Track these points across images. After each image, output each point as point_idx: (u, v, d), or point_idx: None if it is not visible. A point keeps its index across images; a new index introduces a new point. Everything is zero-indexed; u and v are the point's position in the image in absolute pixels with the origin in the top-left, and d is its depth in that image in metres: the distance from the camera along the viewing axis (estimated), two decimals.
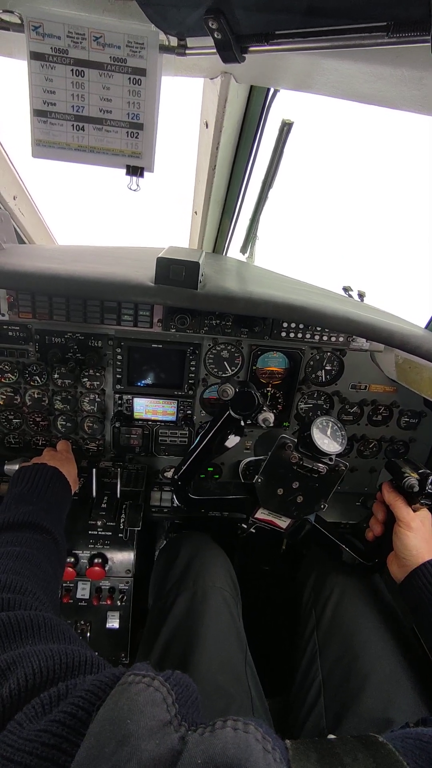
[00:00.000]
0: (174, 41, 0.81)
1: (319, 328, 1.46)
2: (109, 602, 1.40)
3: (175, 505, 1.61)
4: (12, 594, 0.71)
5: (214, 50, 0.73)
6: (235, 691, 1.03)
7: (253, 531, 1.27)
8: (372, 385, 1.58)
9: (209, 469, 1.71)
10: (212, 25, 0.68)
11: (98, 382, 1.51)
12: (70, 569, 1.35)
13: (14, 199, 1.52)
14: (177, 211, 1.79)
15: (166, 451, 1.65)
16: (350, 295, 1.61)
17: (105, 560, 1.39)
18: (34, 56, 0.80)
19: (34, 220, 1.71)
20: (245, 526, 1.26)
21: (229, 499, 1.27)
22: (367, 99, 0.85)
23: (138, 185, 0.93)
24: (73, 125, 0.86)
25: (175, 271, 1.00)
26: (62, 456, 1.38)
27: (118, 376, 1.50)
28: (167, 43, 0.82)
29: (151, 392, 1.55)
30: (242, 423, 1.17)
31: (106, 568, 1.38)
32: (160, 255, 1.00)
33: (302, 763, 0.43)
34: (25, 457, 1.47)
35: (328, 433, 1.08)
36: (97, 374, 1.50)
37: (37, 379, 1.49)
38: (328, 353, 1.53)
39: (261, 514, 1.19)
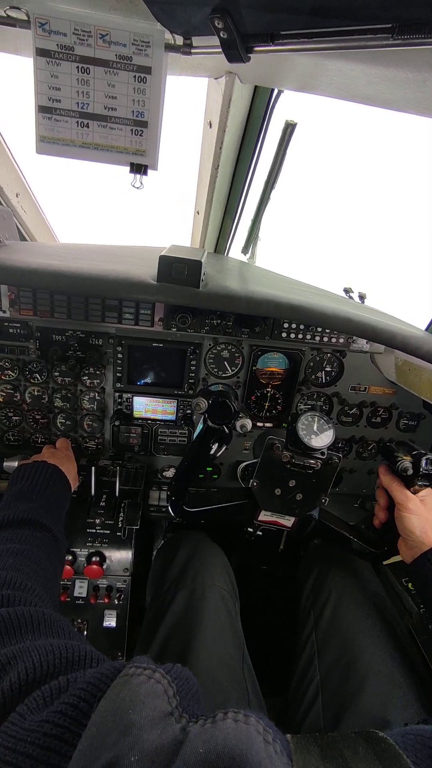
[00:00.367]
0: (180, 40, 0.82)
1: (319, 329, 1.46)
2: (106, 601, 1.39)
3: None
4: (12, 590, 0.71)
5: (220, 50, 0.73)
6: (233, 689, 1.03)
7: (260, 534, 1.27)
8: (371, 386, 1.59)
9: (208, 468, 1.71)
10: (218, 24, 0.68)
11: (98, 381, 1.51)
12: (67, 567, 1.35)
13: (17, 196, 1.52)
14: (179, 210, 1.80)
15: (165, 451, 1.65)
16: (351, 297, 1.62)
17: (103, 558, 1.39)
18: (40, 53, 0.80)
19: (36, 217, 1.72)
20: (251, 530, 1.25)
21: (227, 506, 1.25)
22: (370, 101, 0.86)
23: (141, 183, 0.93)
24: (77, 122, 0.86)
25: (178, 270, 1.00)
26: (62, 454, 1.38)
27: (118, 374, 1.50)
28: (173, 42, 0.82)
29: (151, 391, 1.55)
30: (226, 431, 1.16)
31: (104, 567, 1.38)
32: (162, 253, 1.00)
33: (304, 756, 0.43)
34: (25, 454, 1.47)
35: (315, 428, 1.07)
36: (98, 372, 1.50)
37: (38, 376, 1.49)
38: (329, 354, 1.53)
39: (264, 516, 1.19)
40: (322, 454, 1.08)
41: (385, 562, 1.52)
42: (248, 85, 1.09)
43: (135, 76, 0.83)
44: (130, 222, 2.38)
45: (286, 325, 1.46)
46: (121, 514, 1.45)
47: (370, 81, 0.78)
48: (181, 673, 0.49)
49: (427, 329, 1.50)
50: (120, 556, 1.40)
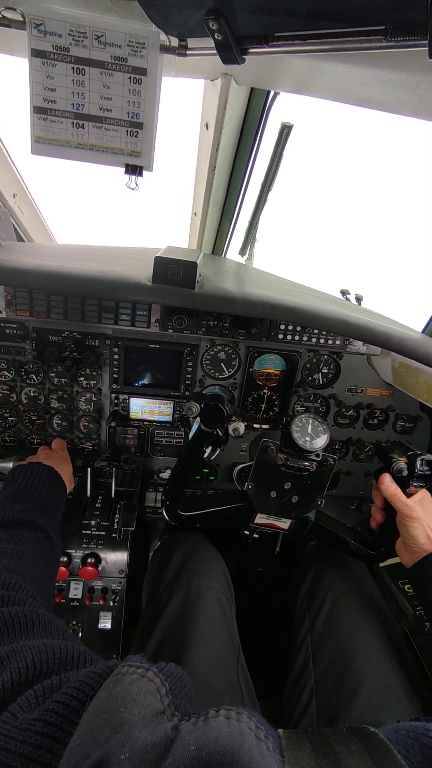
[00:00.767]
0: (175, 42, 0.82)
1: (316, 331, 1.46)
2: (101, 602, 1.39)
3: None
4: (6, 591, 0.71)
5: (215, 51, 0.73)
6: (226, 692, 1.03)
7: (257, 536, 1.26)
8: (368, 388, 1.59)
9: (204, 470, 1.71)
10: (213, 26, 0.68)
11: (95, 382, 1.51)
12: (62, 569, 1.34)
13: (14, 197, 1.52)
14: (176, 212, 1.80)
15: (161, 452, 1.65)
16: (348, 299, 1.62)
17: (98, 560, 1.38)
18: (36, 53, 0.80)
19: (33, 218, 1.72)
20: (248, 533, 1.25)
21: (223, 510, 1.24)
22: (364, 103, 0.86)
23: (137, 184, 0.93)
24: (73, 123, 0.86)
25: (173, 271, 1.00)
26: (57, 455, 1.38)
27: (114, 375, 1.50)
28: (168, 44, 0.82)
29: (148, 392, 1.55)
30: (220, 434, 1.16)
31: (99, 568, 1.37)
32: (158, 254, 1.00)
33: (295, 752, 0.43)
34: (20, 455, 1.47)
35: (309, 430, 1.07)
36: (94, 373, 1.50)
37: (34, 377, 1.49)
38: (325, 356, 1.53)
39: (260, 519, 1.19)
40: (317, 455, 1.08)
41: (381, 564, 1.51)
42: (244, 87, 1.09)
43: (130, 78, 0.83)
44: (127, 223, 2.38)
45: (282, 327, 1.46)
46: (117, 516, 1.44)
47: (365, 83, 0.78)
48: (174, 672, 0.49)
49: (423, 331, 1.50)
50: (115, 558, 1.40)
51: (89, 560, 1.37)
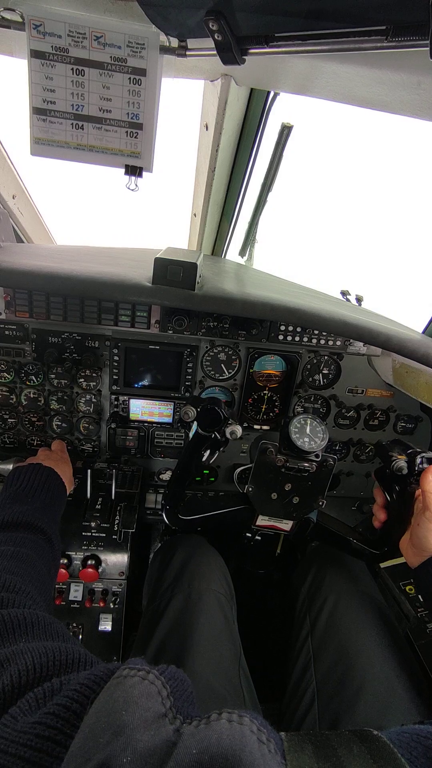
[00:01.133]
0: (175, 42, 0.82)
1: (316, 332, 1.46)
2: (101, 605, 1.39)
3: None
4: (6, 593, 0.71)
5: (215, 52, 0.73)
6: (228, 695, 1.02)
7: (259, 538, 1.26)
8: (369, 389, 1.59)
9: (205, 471, 1.71)
10: (212, 26, 0.68)
11: (94, 383, 1.51)
12: (63, 571, 1.34)
13: (13, 198, 1.51)
14: (176, 213, 1.80)
15: (161, 453, 1.65)
16: (348, 299, 1.62)
17: (98, 562, 1.38)
18: (35, 54, 0.80)
19: (33, 219, 1.71)
20: (249, 535, 1.24)
21: (224, 513, 1.23)
22: (365, 103, 0.85)
23: (136, 185, 0.93)
24: (72, 124, 0.86)
25: (173, 272, 1.00)
26: (57, 456, 1.37)
27: (114, 377, 1.50)
28: (168, 44, 0.82)
29: (148, 394, 1.54)
30: (218, 437, 1.16)
31: (100, 570, 1.37)
32: (157, 255, 1.00)
33: (297, 755, 0.43)
34: (20, 456, 1.47)
35: (308, 430, 1.06)
36: (94, 375, 1.49)
37: (33, 378, 1.48)
38: (326, 357, 1.53)
39: (262, 521, 1.18)
40: (317, 456, 1.07)
41: (382, 566, 1.51)
42: (244, 88, 1.09)
43: (130, 78, 0.83)
44: (127, 224, 2.38)
45: (282, 328, 1.45)
46: (117, 518, 1.44)
47: (365, 83, 0.78)
48: (175, 675, 0.49)
49: (424, 332, 1.50)
50: (116, 560, 1.39)
51: (89, 562, 1.36)
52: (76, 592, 1.39)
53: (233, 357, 1.52)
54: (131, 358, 1.48)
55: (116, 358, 1.46)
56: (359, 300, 1.60)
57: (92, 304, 1.37)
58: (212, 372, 1.54)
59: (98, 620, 1.39)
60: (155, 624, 1.17)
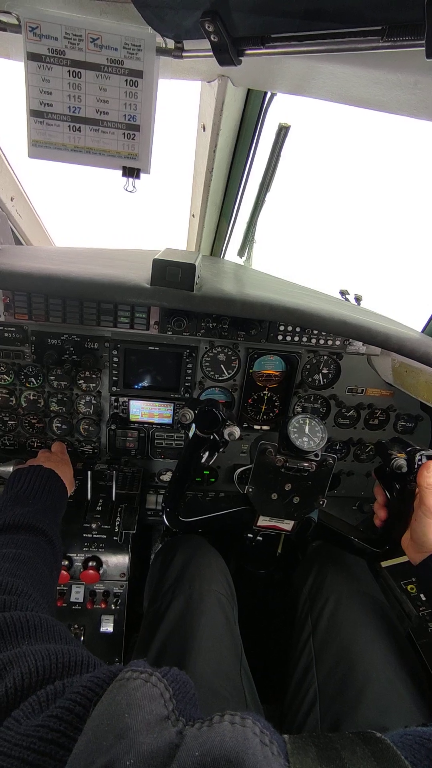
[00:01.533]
0: (171, 44, 0.82)
1: (315, 332, 1.46)
2: (103, 606, 1.39)
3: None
4: (8, 595, 0.71)
5: (211, 53, 0.73)
6: (230, 696, 1.02)
7: (260, 539, 1.26)
8: (368, 388, 1.58)
9: (205, 472, 1.71)
10: (209, 27, 0.68)
11: (94, 384, 1.51)
12: (64, 572, 1.34)
13: (11, 200, 1.52)
14: (174, 214, 1.80)
15: (162, 454, 1.65)
16: (347, 299, 1.62)
17: (99, 563, 1.38)
18: (31, 57, 0.80)
19: (31, 221, 1.71)
20: (251, 536, 1.24)
21: (224, 514, 1.23)
22: (362, 103, 0.85)
23: (134, 187, 0.93)
24: (69, 126, 0.86)
25: (172, 273, 1.00)
26: (58, 458, 1.37)
27: (114, 378, 1.50)
28: (164, 46, 0.82)
29: (148, 395, 1.54)
30: (217, 439, 1.16)
31: (101, 572, 1.37)
32: (156, 257, 1.00)
33: (300, 757, 0.43)
34: (20, 458, 1.47)
35: (306, 430, 1.06)
36: (93, 376, 1.49)
37: (33, 380, 1.48)
38: (325, 357, 1.53)
39: (263, 521, 1.18)
40: (316, 455, 1.07)
41: (383, 565, 1.51)
42: (241, 88, 1.09)
43: (126, 80, 0.83)
44: (126, 226, 2.38)
45: (282, 328, 1.45)
46: (118, 519, 1.44)
47: (362, 83, 0.78)
48: (177, 677, 0.49)
49: (423, 331, 1.50)
50: (117, 561, 1.39)
51: (90, 563, 1.36)
52: (77, 594, 1.39)
53: (233, 357, 1.52)
54: (131, 359, 1.48)
55: (116, 359, 1.46)
56: (358, 299, 1.60)
57: (91, 306, 1.37)
58: (212, 373, 1.54)
59: (100, 622, 1.39)
60: (156, 625, 1.17)
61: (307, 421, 1.07)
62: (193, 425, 1.13)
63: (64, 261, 1.17)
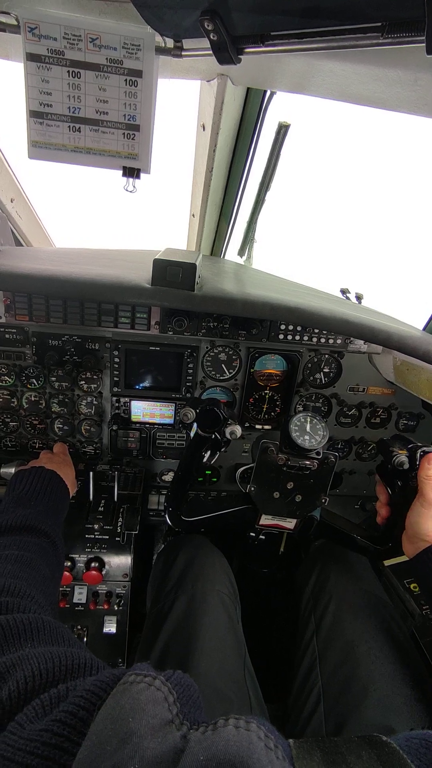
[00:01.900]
0: (170, 43, 0.81)
1: (316, 331, 1.46)
2: (106, 607, 1.39)
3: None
4: (10, 597, 0.71)
5: (210, 52, 0.73)
6: (234, 696, 1.02)
7: (263, 538, 1.26)
8: (370, 387, 1.58)
9: (207, 472, 1.71)
10: (208, 26, 0.68)
11: (95, 385, 1.51)
12: (66, 573, 1.34)
13: (11, 201, 1.51)
14: (174, 214, 1.79)
15: (163, 455, 1.65)
16: (348, 298, 1.61)
17: (102, 564, 1.38)
18: (30, 57, 0.80)
19: (31, 222, 1.71)
20: (253, 535, 1.24)
21: (227, 513, 1.23)
22: (362, 100, 0.85)
23: (134, 187, 0.93)
24: (69, 126, 0.86)
25: (172, 273, 0.99)
26: (59, 459, 1.37)
27: (115, 378, 1.50)
28: (163, 45, 0.82)
29: (149, 395, 1.54)
30: (218, 438, 1.16)
31: (103, 572, 1.37)
32: (156, 256, 1.00)
33: (306, 762, 0.43)
34: (22, 460, 1.47)
35: (308, 428, 1.06)
36: (95, 377, 1.49)
37: (34, 381, 1.48)
38: (326, 355, 1.52)
39: (265, 520, 1.18)
40: (318, 454, 1.07)
41: (386, 564, 1.51)
42: (241, 87, 1.09)
43: (126, 80, 0.83)
44: (126, 226, 2.38)
45: (283, 327, 1.45)
46: (120, 519, 1.44)
47: (362, 81, 0.78)
48: (181, 680, 0.49)
49: (424, 329, 1.49)
50: (119, 562, 1.39)
51: (93, 564, 1.36)
52: (80, 595, 1.39)
53: (234, 357, 1.52)
54: (132, 359, 1.48)
55: (117, 360, 1.46)
56: (359, 298, 1.59)
57: (92, 307, 1.37)
58: (213, 372, 1.54)
59: (103, 622, 1.39)
60: (160, 626, 1.17)
61: (308, 420, 1.07)
62: (195, 424, 1.13)
63: (64, 262, 1.16)
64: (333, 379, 1.56)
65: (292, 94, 1.01)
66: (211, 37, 0.70)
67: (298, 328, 1.45)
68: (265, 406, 1.61)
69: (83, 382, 1.50)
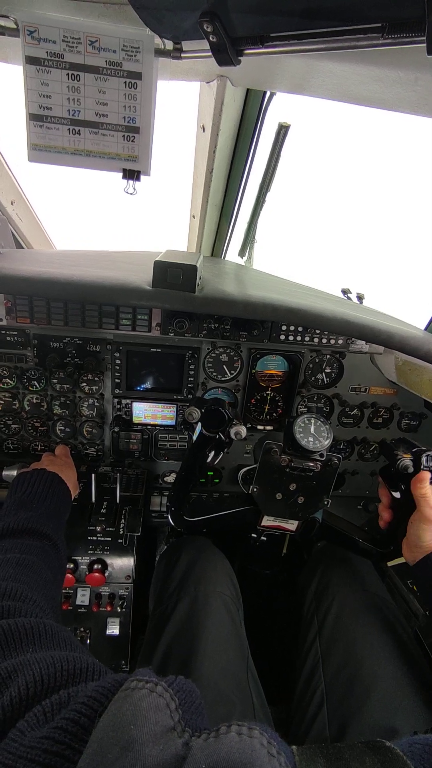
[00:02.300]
0: (170, 45, 0.81)
1: (318, 331, 1.46)
2: (108, 609, 1.38)
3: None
4: (12, 601, 0.70)
5: (210, 53, 0.73)
6: (237, 698, 1.02)
7: (264, 539, 1.25)
8: (372, 387, 1.58)
9: (209, 473, 1.70)
10: (207, 28, 0.67)
11: (97, 387, 1.51)
12: (69, 575, 1.34)
13: (12, 204, 1.52)
14: (175, 215, 1.79)
15: (165, 456, 1.64)
16: (349, 298, 1.61)
17: (104, 566, 1.38)
18: (30, 61, 0.80)
19: (32, 225, 1.72)
20: (255, 536, 1.24)
21: (229, 514, 1.23)
22: (363, 101, 0.85)
23: (135, 189, 0.93)
24: (69, 129, 0.86)
25: (173, 275, 0.99)
26: (61, 461, 1.37)
27: (116, 380, 1.50)
28: (163, 47, 0.82)
29: (150, 396, 1.54)
30: (222, 438, 1.16)
31: (106, 574, 1.37)
32: (157, 258, 1.00)
33: None
34: (24, 462, 1.47)
35: (312, 430, 1.06)
36: (96, 379, 1.49)
37: (36, 384, 1.48)
38: (328, 356, 1.52)
39: (267, 521, 1.18)
40: (321, 455, 1.07)
41: (389, 564, 1.50)
42: (240, 89, 1.09)
43: (125, 82, 0.83)
44: (127, 228, 2.38)
45: (284, 328, 1.45)
46: (122, 521, 1.44)
47: (362, 81, 0.78)
48: (183, 686, 0.48)
49: (426, 329, 1.49)
50: (122, 563, 1.39)
51: (96, 566, 1.36)
52: (83, 597, 1.39)
53: (235, 358, 1.51)
54: (133, 361, 1.48)
55: (118, 361, 1.46)
56: (360, 298, 1.59)
57: (93, 309, 1.37)
58: (214, 373, 1.53)
59: (106, 624, 1.39)
60: (162, 628, 1.17)
61: (313, 421, 1.07)
62: (199, 424, 1.13)
63: (65, 264, 1.17)
64: (335, 379, 1.56)
65: (291, 95, 1.01)
66: (211, 38, 0.69)
67: (300, 329, 1.45)
68: (266, 407, 1.61)
69: (85, 384, 1.50)
